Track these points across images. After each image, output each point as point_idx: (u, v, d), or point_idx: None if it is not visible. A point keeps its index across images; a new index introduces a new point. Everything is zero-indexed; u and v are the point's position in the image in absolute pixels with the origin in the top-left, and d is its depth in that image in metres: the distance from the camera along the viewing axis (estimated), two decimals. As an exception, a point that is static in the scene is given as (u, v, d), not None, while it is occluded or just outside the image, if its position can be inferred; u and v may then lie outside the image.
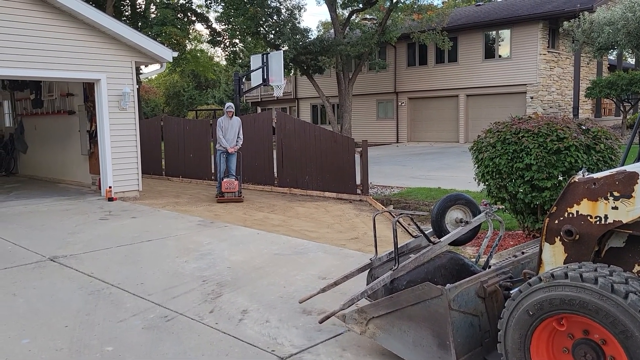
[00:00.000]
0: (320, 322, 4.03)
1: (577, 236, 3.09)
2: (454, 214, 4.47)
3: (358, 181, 11.22)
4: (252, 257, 6.45)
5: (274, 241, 7.30)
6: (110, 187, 10.96)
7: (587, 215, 3.05)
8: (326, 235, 7.89)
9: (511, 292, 3.63)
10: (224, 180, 11.17)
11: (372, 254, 6.67)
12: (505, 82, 25.61)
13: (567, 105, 26.57)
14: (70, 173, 13.60)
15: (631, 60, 33.43)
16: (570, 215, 3.12)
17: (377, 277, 4.27)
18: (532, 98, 24.93)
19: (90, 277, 5.69)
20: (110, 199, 10.84)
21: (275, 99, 34.15)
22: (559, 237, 3.18)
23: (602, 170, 4.01)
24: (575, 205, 3.10)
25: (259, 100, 36.90)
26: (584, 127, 6.43)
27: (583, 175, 3.15)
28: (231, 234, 7.82)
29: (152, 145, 15.91)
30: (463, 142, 26.91)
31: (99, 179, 11.48)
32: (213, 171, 14.31)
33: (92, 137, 12.24)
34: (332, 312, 3.97)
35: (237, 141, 11.40)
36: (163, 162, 15.93)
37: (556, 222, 3.18)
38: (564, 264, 3.15)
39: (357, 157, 11.18)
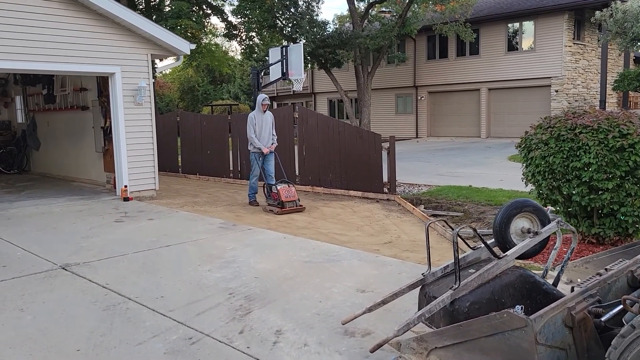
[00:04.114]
0: (372, 352, 3.46)
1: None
2: (519, 223, 3.89)
3: (385, 179, 10.64)
4: (280, 266, 5.90)
5: (302, 246, 6.75)
6: (125, 186, 10.46)
7: None
8: (357, 239, 7.33)
9: (602, 319, 3.06)
10: (281, 187, 9.28)
11: (410, 262, 6.13)
12: (529, 75, 24.82)
13: (593, 99, 25.75)
14: (84, 171, 13.14)
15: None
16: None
17: (431, 296, 3.70)
18: (556, 91, 24.13)
19: (105, 289, 5.18)
20: (126, 199, 10.34)
21: (292, 93, 33.67)
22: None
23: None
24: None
25: (275, 94, 36.32)
26: (648, 122, 5.81)
27: None
28: (256, 238, 7.27)
29: (169, 142, 15.42)
30: (485, 137, 26.19)
31: (114, 177, 10.99)
32: (231, 169, 13.80)
33: (107, 133, 11.75)
34: (385, 339, 3.41)
35: (272, 139, 10.11)
36: (179, 159, 15.44)
37: (672, 240, 2.59)
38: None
39: (384, 153, 10.59)
